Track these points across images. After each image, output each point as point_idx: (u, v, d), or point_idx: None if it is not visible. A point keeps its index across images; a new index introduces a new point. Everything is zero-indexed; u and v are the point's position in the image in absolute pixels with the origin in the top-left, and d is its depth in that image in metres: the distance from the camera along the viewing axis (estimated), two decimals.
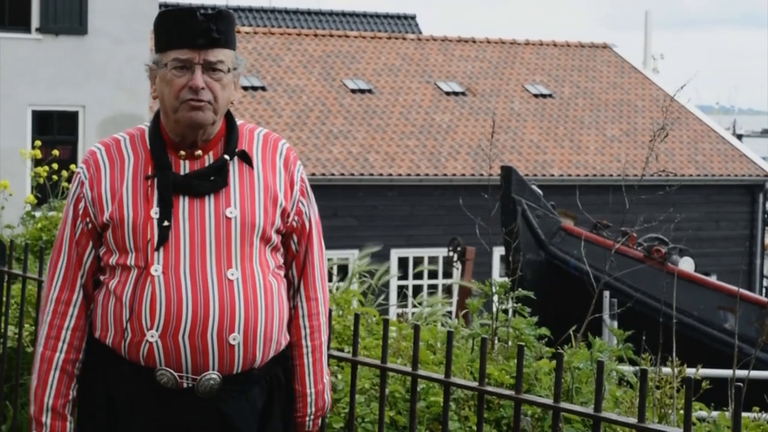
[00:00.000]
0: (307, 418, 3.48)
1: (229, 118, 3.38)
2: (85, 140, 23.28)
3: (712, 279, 17.76)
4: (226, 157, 3.32)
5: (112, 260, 3.29)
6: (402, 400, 4.86)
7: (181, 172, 3.30)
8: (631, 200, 6.49)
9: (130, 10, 23.49)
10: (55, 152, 11.26)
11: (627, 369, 5.55)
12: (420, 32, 36.39)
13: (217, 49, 3.27)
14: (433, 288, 25.39)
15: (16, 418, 5.60)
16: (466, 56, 31.47)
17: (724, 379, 5.90)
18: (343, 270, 17.01)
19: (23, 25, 23.33)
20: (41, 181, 10.15)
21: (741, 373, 6.89)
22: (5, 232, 8.59)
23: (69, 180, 10.20)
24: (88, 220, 3.33)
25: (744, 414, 5.29)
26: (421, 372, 3.95)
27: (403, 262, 25.97)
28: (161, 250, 3.24)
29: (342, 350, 5.12)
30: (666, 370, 5.36)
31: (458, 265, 19.96)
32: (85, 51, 23.37)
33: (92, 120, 23.38)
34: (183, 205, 3.27)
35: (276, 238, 3.35)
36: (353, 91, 28.88)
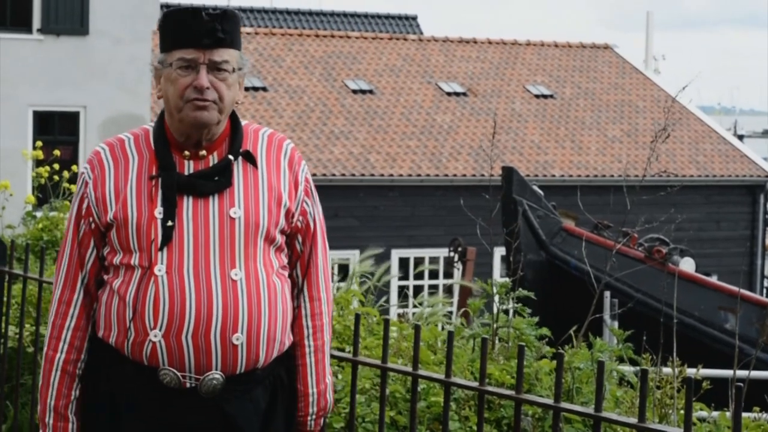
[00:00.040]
0: (309, 418, 3.48)
1: (233, 118, 3.39)
2: (86, 141, 23.29)
3: (713, 279, 17.76)
4: (231, 157, 3.32)
5: (116, 260, 3.29)
6: (402, 400, 4.86)
7: (186, 172, 3.30)
8: (632, 201, 6.49)
9: (132, 10, 23.49)
10: (57, 152, 11.26)
11: (627, 369, 5.55)
12: (421, 33, 36.39)
13: (222, 49, 3.28)
14: (433, 288, 25.39)
15: (16, 418, 5.60)
16: (467, 57, 31.47)
17: (725, 380, 5.90)
18: (343, 270, 17.01)
19: (24, 26, 23.34)
20: (43, 181, 10.15)
21: (741, 373, 6.89)
22: (6, 232, 8.59)
23: (70, 180, 10.20)
24: (91, 220, 3.33)
25: (744, 414, 5.29)
26: (421, 372, 3.95)
27: (404, 263, 25.97)
28: (165, 250, 3.24)
29: (343, 350, 5.12)
30: (666, 370, 5.36)
31: (459, 265, 19.96)
32: (86, 51, 23.38)
33: (93, 120, 23.39)
34: (187, 205, 3.27)
35: (280, 239, 3.35)
36: (354, 91, 28.88)
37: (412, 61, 30.63)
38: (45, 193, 10.22)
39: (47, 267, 6.27)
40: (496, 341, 5.58)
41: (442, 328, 7.81)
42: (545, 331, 5.63)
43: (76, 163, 20.69)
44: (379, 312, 6.14)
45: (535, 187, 16.70)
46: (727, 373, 8.30)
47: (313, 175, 24.78)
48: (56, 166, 10.36)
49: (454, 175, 26.69)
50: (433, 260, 26.14)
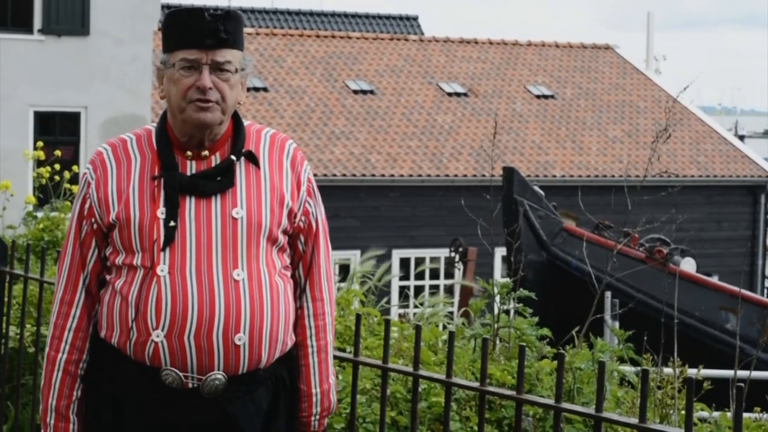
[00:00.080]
0: (313, 418, 3.48)
1: (236, 118, 3.39)
2: (87, 141, 23.29)
3: (714, 280, 17.76)
4: (233, 157, 3.32)
5: (119, 260, 3.30)
6: (403, 400, 4.86)
7: (188, 173, 3.30)
8: (633, 201, 6.49)
9: (133, 11, 23.50)
10: (57, 153, 11.26)
11: (628, 369, 5.55)
12: (422, 33, 36.40)
13: (224, 49, 3.28)
14: (434, 288, 25.39)
15: (17, 419, 5.60)
16: (468, 57, 31.47)
17: (726, 380, 5.89)
18: (344, 271, 17.01)
19: (25, 26, 23.34)
20: (43, 181, 10.15)
21: (742, 373, 6.89)
22: (7, 232, 8.59)
23: (71, 181, 10.20)
24: (93, 220, 3.34)
25: (745, 414, 5.29)
26: (422, 372, 3.95)
27: (404, 263, 25.97)
28: (167, 250, 3.24)
29: (343, 350, 5.12)
30: (667, 370, 5.36)
31: (460, 265, 19.97)
32: (87, 52, 23.38)
33: (94, 121, 23.39)
34: (189, 205, 3.27)
35: (282, 239, 3.35)
36: (355, 92, 28.89)
37: (413, 62, 30.64)
38: (46, 194, 10.22)
39: (48, 267, 6.27)
40: (497, 341, 5.58)
41: (443, 329, 7.81)
42: (546, 331, 5.63)
43: (77, 164, 20.70)
44: (380, 312, 6.14)
45: (536, 188, 16.71)
46: (728, 373, 8.30)
47: (314, 175, 24.73)
48: (57, 167, 10.36)
49: (455, 176, 26.69)
50: (434, 261, 26.14)
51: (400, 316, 9.76)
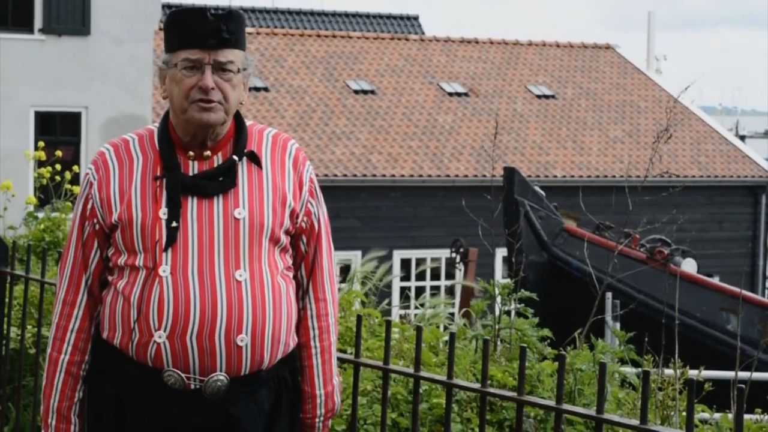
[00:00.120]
0: (317, 420, 3.48)
1: (238, 118, 3.38)
2: (87, 141, 23.30)
3: (715, 280, 17.76)
4: (235, 157, 3.31)
5: (121, 261, 3.29)
6: (404, 401, 4.86)
7: (190, 173, 3.30)
8: (633, 201, 6.49)
9: (133, 10, 23.50)
10: (58, 153, 11.27)
11: (629, 371, 5.55)
12: (423, 33, 36.39)
13: (227, 49, 3.27)
14: (435, 289, 25.39)
15: (18, 420, 5.60)
16: (468, 57, 31.47)
17: (727, 381, 5.89)
18: (345, 271, 17.01)
19: (26, 26, 23.35)
20: (44, 182, 10.15)
21: (743, 374, 6.89)
22: (8, 233, 8.59)
23: (72, 181, 10.21)
24: (95, 221, 3.33)
25: (746, 416, 5.29)
26: (423, 374, 3.95)
27: (405, 264, 25.97)
28: (169, 250, 3.23)
29: (344, 352, 5.12)
30: (668, 371, 5.35)
31: (461, 266, 19.96)
32: (87, 52, 23.39)
33: (95, 121, 23.40)
34: (191, 205, 3.27)
35: (285, 239, 3.35)
36: (356, 91, 28.89)
37: (414, 61, 30.64)
38: (47, 194, 10.22)
39: (49, 268, 6.27)
40: (498, 343, 5.58)
41: (444, 330, 7.82)
42: (547, 332, 5.63)
43: (78, 164, 20.70)
44: (381, 313, 6.14)
45: (537, 188, 16.70)
46: (728, 374, 8.30)
47: (315, 175, 24.78)
48: (58, 167, 10.37)
49: (456, 176, 26.69)
50: (435, 261, 26.14)
51: (401, 317, 9.76)
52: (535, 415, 4.82)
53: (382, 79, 29.65)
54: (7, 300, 5.66)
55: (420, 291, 24.73)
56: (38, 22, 23.32)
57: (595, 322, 5.96)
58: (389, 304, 10.78)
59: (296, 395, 3.44)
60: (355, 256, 23.14)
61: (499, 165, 21.45)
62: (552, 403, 3.60)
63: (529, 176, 24.17)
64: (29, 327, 5.92)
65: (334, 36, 30.97)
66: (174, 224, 3.24)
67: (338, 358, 4.23)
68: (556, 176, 27.64)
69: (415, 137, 27.77)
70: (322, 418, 3.48)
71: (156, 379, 3.24)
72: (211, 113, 3.26)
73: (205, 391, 3.25)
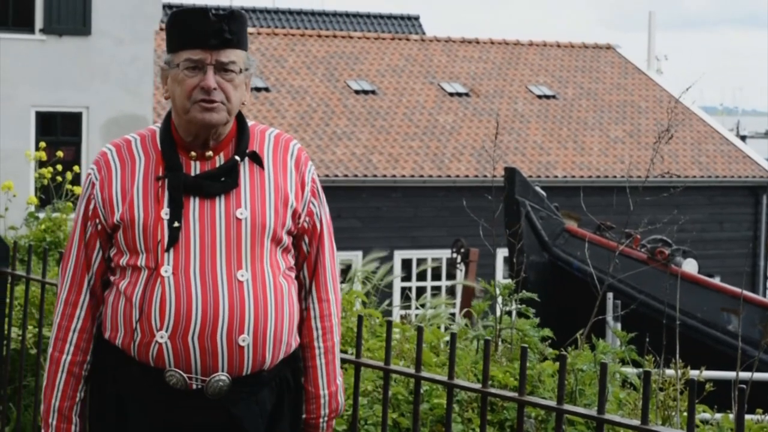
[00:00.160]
0: (321, 420, 3.48)
1: (240, 119, 3.38)
2: (88, 141, 23.31)
3: (716, 281, 17.76)
4: (237, 158, 3.32)
5: (123, 261, 3.29)
6: (405, 402, 4.86)
7: (192, 173, 3.30)
8: (634, 202, 6.48)
9: (134, 10, 23.51)
10: (59, 153, 11.27)
11: (630, 371, 5.55)
12: (423, 33, 36.39)
13: (229, 49, 3.28)
14: (436, 289, 25.39)
15: (19, 420, 5.60)
16: (469, 57, 31.47)
17: (728, 381, 5.89)
18: (345, 272, 17.02)
19: (27, 26, 23.35)
20: (45, 182, 10.15)
21: (744, 375, 6.89)
22: (9, 233, 8.59)
23: (72, 181, 10.21)
24: (97, 221, 3.33)
25: (747, 416, 5.29)
26: (424, 374, 3.95)
27: (406, 264, 25.97)
28: (171, 251, 3.24)
29: (345, 352, 5.12)
30: (669, 372, 5.35)
31: (462, 266, 19.97)
32: (88, 52, 23.39)
33: (96, 121, 23.40)
34: (193, 206, 3.27)
35: (287, 240, 3.35)
36: (357, 92, 28.89)
37: (415, 62, 30.64)
38: (48, 194, 10.23)
39: (50, 268, 6.28)
40: (499, 343, 5.57)
41: (445, 330, 7.82)
42: (548, 332, 5.63)
43: (79, 164, 20.70)
44: (382, 313, 6.14)
45: (538, 188, 16.71)
46: (729, 374, 8.30)
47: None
48: (59, 167, 10.37)
49: (457, 176, 26.69)
50: (436, 261, 26.14)
51: (401, 317, 9.76)
52: (536, 416, 4.82)
53: (383, 79, 29.65)
54: (8, 300, 5.66)
55: (421, 291, 24.73)
56: (39, 22, 23.33)
57: (596, 322, 5.96)
58: (389, 304, 10.78)
59: (298, 395, 3.44)
60: (356, 257, 23.14)
61: (499, 165, 21.46)
62: (553, 403, 3.60)
63: (530, 176, 24.17)
64: (30, 327, 5.92)
65: (334, 36, 30.97)
66: (176, 224, 3.24)
67: (340, 359, 4.23)
68: (556, 176, 27.63)
69: (416, 137, 27.77)
70: (326, 418, 3.48)
71: (158, 379, 3.25)
72: (213, 113, 3.26)
73: (207, 391, 3.25)
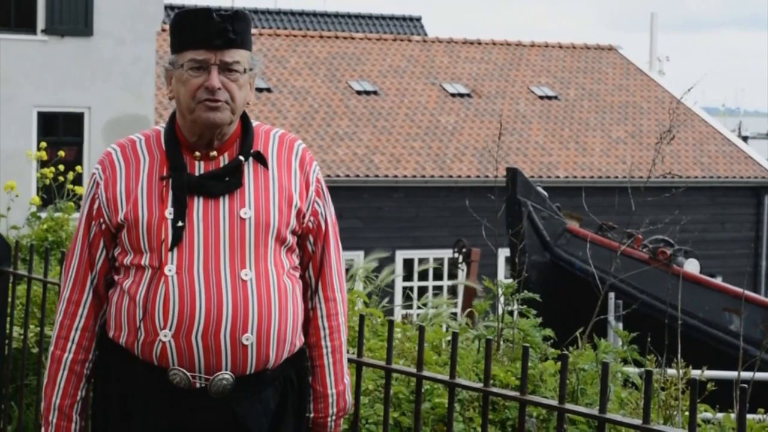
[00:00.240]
0: (329, 419, 3.48)
1: (244, 118, 3.39)
2: (90, 141, 23.32)
3: (718, 281, 17.75)
4: (241, 158, 3.32)
5: (127, 260, 3.30)
6: (406, 401, 4.86)
7: (196, 173, 3.31)
8: (636, 202, 6.48)
9: (135, 11, 23.52)
10: (61, 153, 11.27)
11: (632, 370, 5.54)
12: (425, 34, 36.40)
13: (233, 49, 3.28)
14: (438, 289, 25.39)
15: (21, 419, 5.60)
16: (471, 58, 31.47)
17: (729, 381, 5.89)
18: (347, 271, 17.01)
19: (29, 27, 23.36)
20: (47, 182, 10.15)
21: (746, 374, 6.88)
22: (11, 233, 8.60)
23: (74, 181, 10.21)
24: (101, 220, 3.34)
25: (749, 416, 5.29)
26: (425, 373, 3.95)
27: (408, 264, 25.97)
28: (175, 250, 3.24)
29: (346, 351, 5.11)
30: (671, 371, 5.35)
31: (463, 266, 19.97)
32: (90, 52, 23.41)
33: (98, 121, 23.41)
34: (197, 205, 3.27)
35: (291, 239, 3.35)
36: (359, 92, 28.89)
37: (417, 62, 30.64)
38: (50, 194, 10.22)
39: (51, 268, 6.28)
40: (501, 342, 5.57)
41: (447, 329, 7.81)
42: (549, 332, 5.63)
43: (81, 164, 20.67)
44: (383, 313, 6.13)
45: (540, 189, 16.71)
46: (731, 374, 8.29)
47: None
48: (61, 167, 10.36)
49: (459, 176, 26.69)
50: (438, 261, 26.15)
51: (403, 317, 9.75)
52: (538, 415, 4.82)
53: (385, 79, 29.65)
54: (9, 299, 5.67)
55: (422, 291, 24.74)
56: (41, 22, 23.34)
57: (598, 322, 5.96)
58: (390, 301, 10.79)
59: (302, 395, 3.45)
60: (357, 257, 23.14)
61: (501, 166, 21.46)
62: (555, 402, 3.60)
63: (532, 177, 24.17)
64: (32, 326, 5.92)
65: (336, 37, 30.98)
66: (180, 224, 3.25)
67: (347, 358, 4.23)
68: (558, 177, 27.63)
69: (418, 138, 27.77)
70: (334, 417, 3.49)
71: (161, 378, 3.25)
72: (217, 113, 3.27)
73: (211, 390, 3.25)
